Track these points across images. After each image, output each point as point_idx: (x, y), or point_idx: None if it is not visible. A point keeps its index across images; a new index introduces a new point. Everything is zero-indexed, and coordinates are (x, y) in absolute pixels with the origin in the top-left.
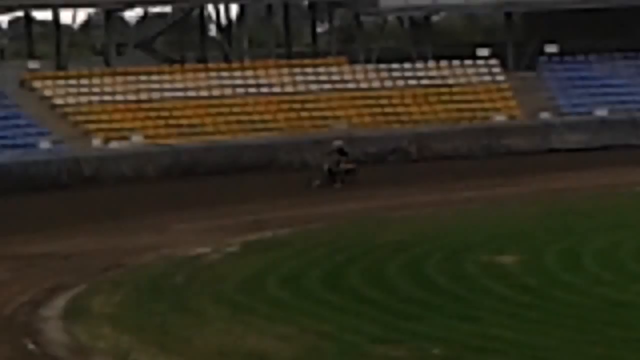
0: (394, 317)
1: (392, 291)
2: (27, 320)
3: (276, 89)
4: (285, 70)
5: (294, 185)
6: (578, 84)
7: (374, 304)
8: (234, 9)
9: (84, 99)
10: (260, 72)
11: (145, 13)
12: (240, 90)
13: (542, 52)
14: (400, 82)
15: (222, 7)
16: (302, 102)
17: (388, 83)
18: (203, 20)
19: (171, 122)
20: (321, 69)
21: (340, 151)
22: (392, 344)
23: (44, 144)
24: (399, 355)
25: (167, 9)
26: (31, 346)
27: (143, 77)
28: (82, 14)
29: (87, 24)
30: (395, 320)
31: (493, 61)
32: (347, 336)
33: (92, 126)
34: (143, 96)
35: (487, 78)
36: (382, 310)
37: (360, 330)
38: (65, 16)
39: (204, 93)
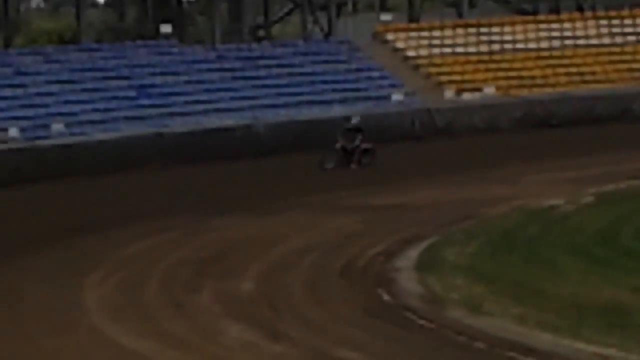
0: None
1: None
2: (381, 271)
3: (632, 38)
4: None
5: None
6: None
7: None
8: None
9: (436, 51)
10: (615, 22)
11: None
12: (593, 40)
13: None
14: None
15: None
16: None
17: None
18: None
19: (523, 73)
20: None
21: (357, 129)
22: None
23: (396, 96)
24: None
25: None
26: (386, 296)
27: (495, 29)
28: None
29: None
30: None
31: None
32: None
33: (444, 78)
34: (495, 47)
35: None
36: None
37: None
38: None
39: (555, 44)
